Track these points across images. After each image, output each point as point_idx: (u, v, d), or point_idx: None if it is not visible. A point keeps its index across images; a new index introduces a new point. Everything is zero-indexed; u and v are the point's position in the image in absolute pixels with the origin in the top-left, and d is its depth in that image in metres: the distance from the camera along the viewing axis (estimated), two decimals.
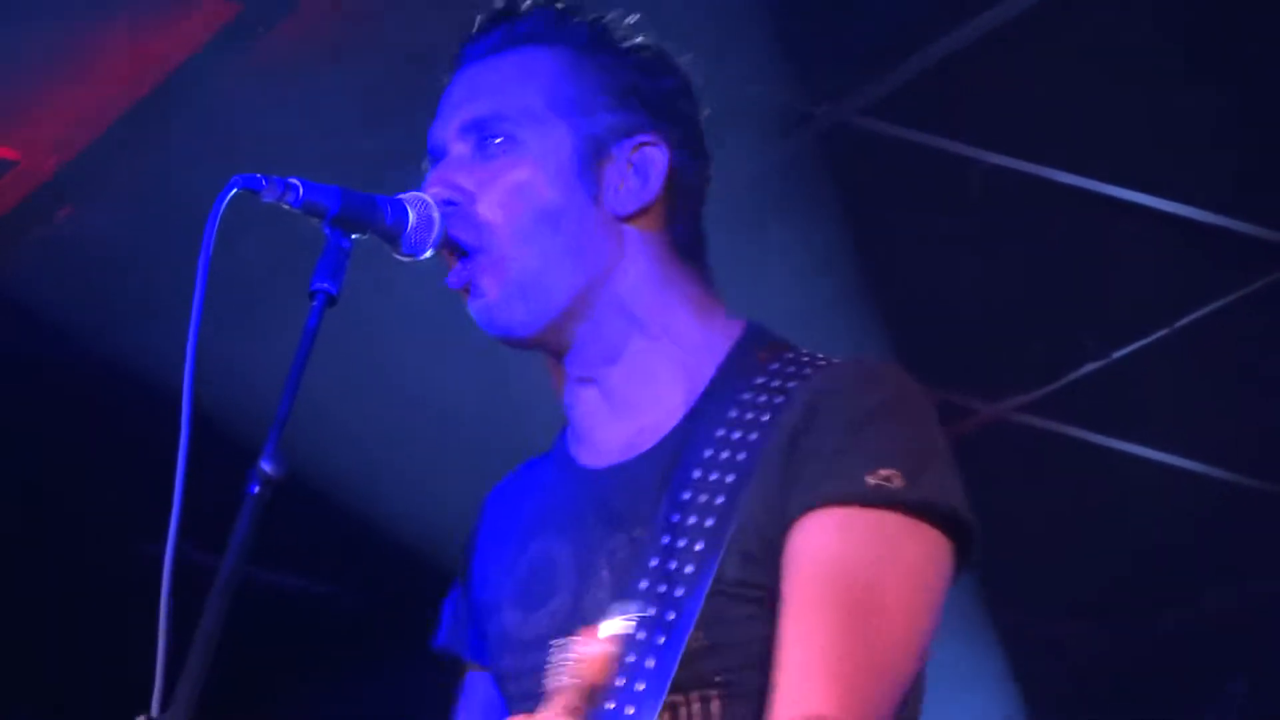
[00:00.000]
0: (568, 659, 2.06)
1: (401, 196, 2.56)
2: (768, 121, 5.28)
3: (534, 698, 2.33)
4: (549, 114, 2.68)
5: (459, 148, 2.70)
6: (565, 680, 2.06)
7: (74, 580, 7.30)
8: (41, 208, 5.57)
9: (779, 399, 2.60)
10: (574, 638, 2.08)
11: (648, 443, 2.70)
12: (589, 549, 2.71)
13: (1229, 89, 5.64)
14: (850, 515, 2.47)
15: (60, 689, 7.91)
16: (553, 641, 2.43)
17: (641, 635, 2.58)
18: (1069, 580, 8.23)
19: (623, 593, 2.60)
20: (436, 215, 2.58)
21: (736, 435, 2.62)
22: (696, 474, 2.61)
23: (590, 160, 2.66)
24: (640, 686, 2.50)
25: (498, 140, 2.66)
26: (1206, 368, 6.89)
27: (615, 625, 2.10)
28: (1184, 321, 6.61)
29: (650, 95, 2.71)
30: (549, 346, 2.71)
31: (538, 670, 2.42)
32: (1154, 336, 6.72)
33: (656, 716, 2.51)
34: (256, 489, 2.16)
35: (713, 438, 2.61)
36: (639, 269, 2.70)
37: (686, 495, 2.59)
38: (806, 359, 2.63)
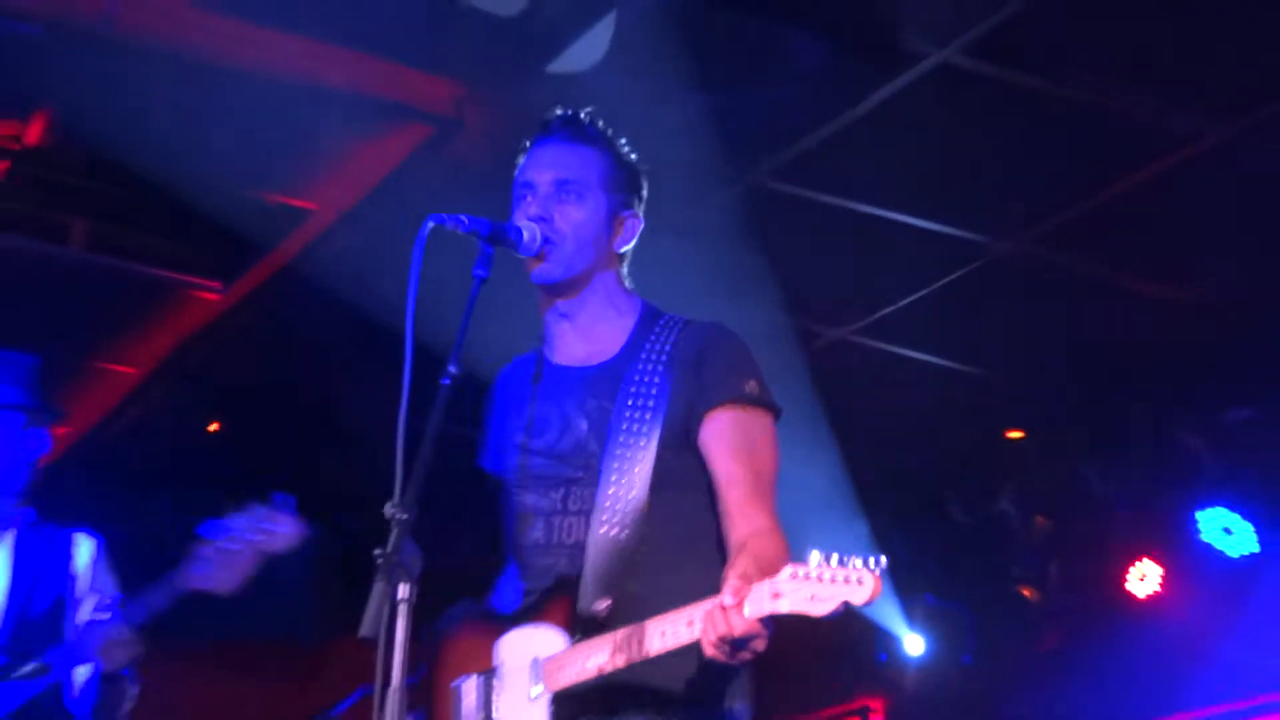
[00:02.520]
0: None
1: (516, 222, 3.42)
2: (697, 181, 5.53)
3: (533, 490, 3.48)
4: (596, 189, 3.53)
5: (546, 189, 3.49)
6: None
7: None
8: (324, 245, 6.28)
9: (670, 342, 3.51)
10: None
11: (599, 359, 3.54)
12: (569, 409, 3.52)
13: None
14: (738, 409, 3.38)
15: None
16: (545, 458, 3.49)
17: (615, 464, 3.39)
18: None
19: (598, 435, 3.44)
20: (537, 230, 3.39)
21: (653, 361, 3.49)
22: (637, 378, 3.48)
23: (609, 220, 3.55)
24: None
25: (570, 193, 3.49)
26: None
27: None
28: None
29: (635, 185, 3.63)
30: (558, 292, 3.52)
31: (538, 473, 3.50)
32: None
33: (638, 501, 3.32)
34: (447, 381, 3.06)
35: (641, 361, 3.50)
36: (609, 270, 3.59)
37: (634, 389, 3.47)
38: (678, 320, 3.57)
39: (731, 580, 2.87)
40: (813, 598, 2.74)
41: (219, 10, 5.09)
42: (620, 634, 3.12)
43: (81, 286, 6.73)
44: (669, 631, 3.03)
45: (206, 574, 4.45)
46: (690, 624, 2.95)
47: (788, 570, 2.77)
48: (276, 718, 6.62)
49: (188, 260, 6.55)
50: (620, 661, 3.10)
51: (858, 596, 2.70)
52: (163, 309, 6.99)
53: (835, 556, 2.71)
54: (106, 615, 4.66)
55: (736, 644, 2.86)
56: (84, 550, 4.92)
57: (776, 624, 2.81)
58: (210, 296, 6.81)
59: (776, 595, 2.77)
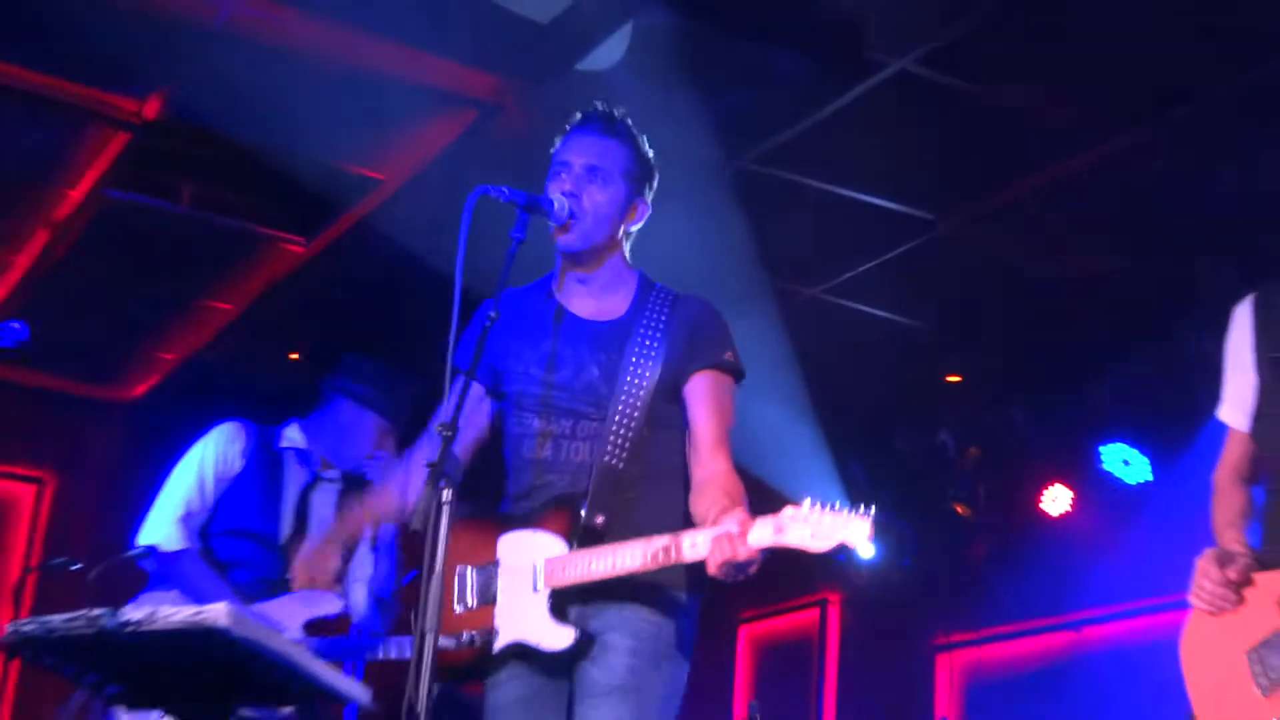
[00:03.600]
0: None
1: (549, 194, 3.41)
2: (695, 165, 5.46)
3: (545, 416, 3.43)
4: (618, 178, 3.50)
5: (578, 171, 3.47)
6: None
7: None
8: (389, 208, 6.32)
9: (666, 311, 3.49)
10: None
11: (608, 317, 3.51)
12: (583, 355, 3.48)
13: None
14: (717, 373, 3.44)
15: None
16: (560, 391, 3.45)
17: (619, 407, 3.37)
18: None
19: (607, 381, 3.41)
20: (566, 203, 3.40)
21: (653, 326, 3.49)
22: (640, 338, 3.47)
23: (625, 204, 3.52)
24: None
25: (597, 178, 3.47)
26: None
27: None
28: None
29: (649, 177, 3.60)
30: (577, 260, 3.50)
31: (552, 403, 3.45)
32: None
33: (632, 439, 3.33)
34: (487, 322, 3.14)
35: (643, 325, 3.49)
36: (618, 245, 3.56)
37: (637, 348, 3.46)
38: (669, 291, 3.57)
39: (736, 513, 2.98)
40: (813, 535, 2.86)
41: (309, 11, 5.10)
42: (621, 549, 3.17)
43: (189, 239, 6.74)
44: (672, 548, 3.09)
45: None
46: (693, 545, 3.03)
47: (789, 510, 2.90)
48: None
49: (278, 218, 6.60)
50: (614, 564, 3.17)
51: (856, 538, 2.83)
52: (255, 258, 7.01)
53: (829, 505, 2.88)
54: None
55: (739, 567, 2.95)
56: None
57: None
58: (295, 249, 6.85)
59: (780, 529, 2.89)
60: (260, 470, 4.87)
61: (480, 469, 3.49)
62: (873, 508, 2.90)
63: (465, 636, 3.34)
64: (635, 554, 3.11)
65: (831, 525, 2.85)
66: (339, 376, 5.03)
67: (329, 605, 4.61)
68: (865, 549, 8.73)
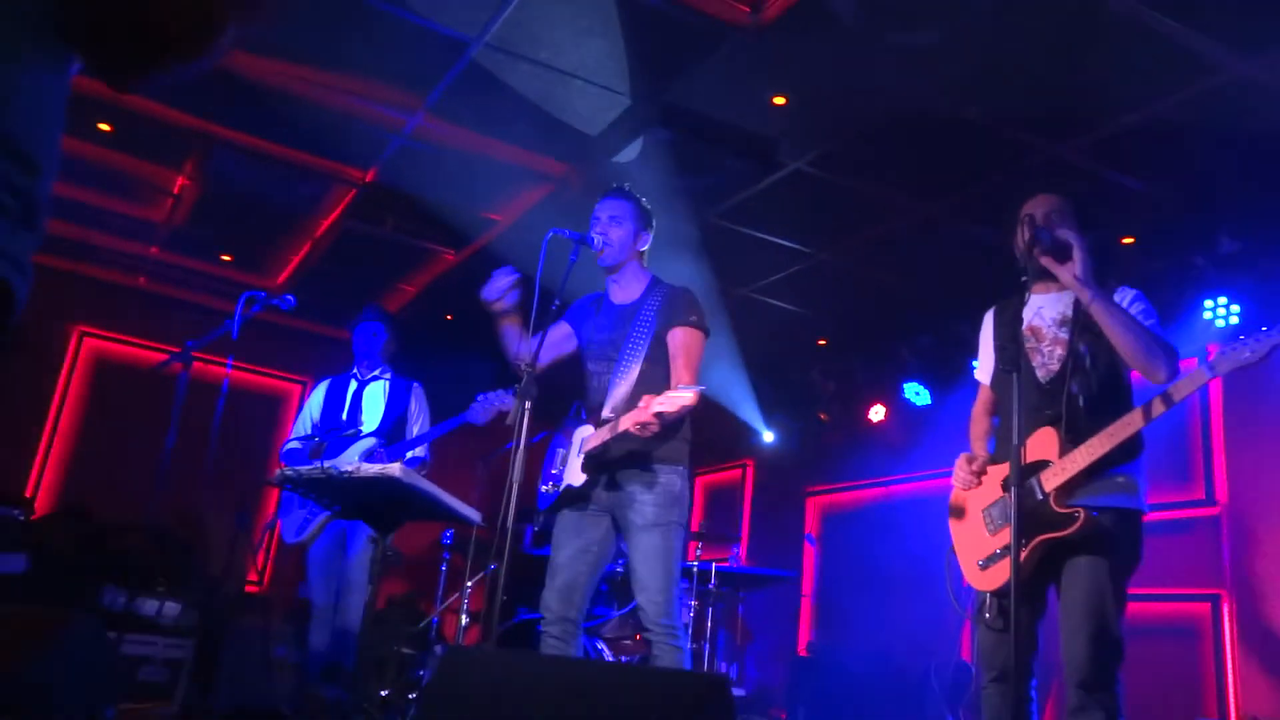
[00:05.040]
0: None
1: (591, 235, 3.34)
2: (678, 218, 5.42)
3: (593, 360, 3.35)
4: (629, 221, 3.40)
5: (605, 220, 3.39)
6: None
7: None
8: (502, 238, 6.13)
9: (660, 297, 3.36)
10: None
11: (627, 302, 3.41)
12: (613, 324, 3.40)
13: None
14: (687, 328, 3.29)
15: None
16: (601, 346, 3.35)
17: (628, 356, 3.28)
18: None
19: (623, 338, 3.32)
20: (599, 239, 3.34)
21: (650, 308, 3.36)
22: (642, 315, 3.34)
23: (635, 236, 3.40)
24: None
25: (618, 221, 3.39)
26: None
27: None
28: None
29: (649, 220, 3.47)
30: (610, 270, 3.41)
31: (597, 353, 3.37)
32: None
33: (637, 371, 3.26)
34: (554, 307, 3.16)
35: (645, 308, 3.36)
36: (634, 259, 3.44)
37: (639, 321, 3.34)
38: (667, 284, 3.42)
39: (647, 398, 2.94)
40: (669, 401, 2.88)
41: (456, 122, 5.00)
42: (610, 424, 3.16)
43: (391, 249, 6.64)
44: (627, 420, 3.05)
45: (475, 416, 4.31)
46: (640, 411, 2.97)
47: (667, 392, 2.91)
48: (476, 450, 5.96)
49: (440, 238, 6.43)
50: (612, 434, 3.14)
51: (687, 399, 2.87)
52: (427, 261, 6.89)
53: (676, 389, 2.90)
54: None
55: (645, 426, 2.93)
56: (415, 396, 4.76)
57: (708, 424, 2.96)
58: (450, 257, 6.75)
59: (660, 402, 2.90)
60: None
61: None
62: (701, 386, 2.95)
63: (551, 480, 3.35)
64: (615, 427, 3.10)
65: (677, 396, 2.86)
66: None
67: None
68: (757, 426, 8.57)
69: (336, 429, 4.57)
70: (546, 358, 3.40)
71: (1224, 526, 5.14)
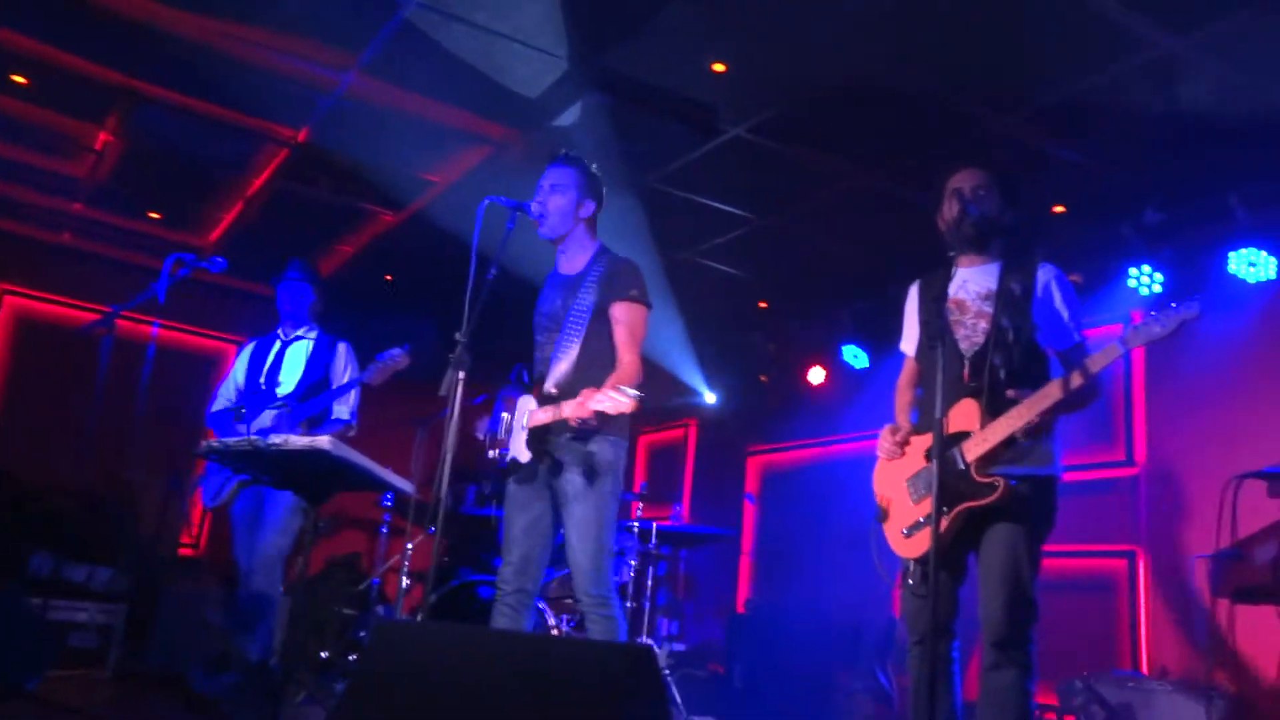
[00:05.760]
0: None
1: (531, 203, 3.28)
2: (621, 183, 5.38)
3: (541, 332, 3.31)
4: (574, 189, 3.35)
5: (546, 188, 3.34)
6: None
7: None
8: (439, 200, 6.11)
9: (604, 267, 3.30)
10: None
11: (572, 272, 3.35)
12: (555, 298, 3.35)
13: None
14: (629, 303, 3.25)
15: None
16: (546, 318, 3.32)
17: (570, 327, 3.24)
18: None
19: (565, 310, 3.26)
20: (538, 209, 3.30)
21: (594, 278, 3.30)
22: (586, 286, 3.29)
23: (576, 204, 3.35)
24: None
25: (559, 189, 3.34)
26: None
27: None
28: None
29: (595, 187, 3.42)
30: (553, 241, 3.37)
31: (543, 324, 3.33)
32: None
33: (578, 345, 3.21)
34: (490, 276, 3.05)
35: (589, 278, 3.30)
36: (579, 227, 3.38)
37: (583, 291, 3.29)
38: (611, 254, 3.38)
39: (583, 391, 2.94)
40: (606, 403, 2.88)
41: (394, 83, 4.93)
42: (558, 407, 3.13)
43: (328, 210, 6.49)
44: (568, 406, 3.06)
45: (372, 375, 4.28)
46: (580, 404, 2.98)
47: (609, 391, 2.88)
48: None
49: (378, 199, 6.31)
50: (553, 419, 3.15)
51: (622, 407, 2.84)
52: (366, 221, 6.76)
53: (620, 391, 2.86)
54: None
55: (585, 422, 2.95)
56: (341, 354, 4.59)
57: (650, 386, 2.98)
58: (388, 218, 6.63)
59: (598, 401, 2.89)
60: None
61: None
62: (640, 393, 2.91)
63: (498, 451, 3.31)
64: (566, 409, 3.07)
65: (614, 399, 2.85)
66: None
67: None
68: (700, 387, 8.65)
69: (256, 392, 4.48)
70: None
71: (1141, 486, 5.36)
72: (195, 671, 4.11)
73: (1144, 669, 4.94)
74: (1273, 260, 4.84)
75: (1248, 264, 4.84)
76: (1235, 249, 4.87)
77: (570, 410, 2.98)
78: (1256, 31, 3.67)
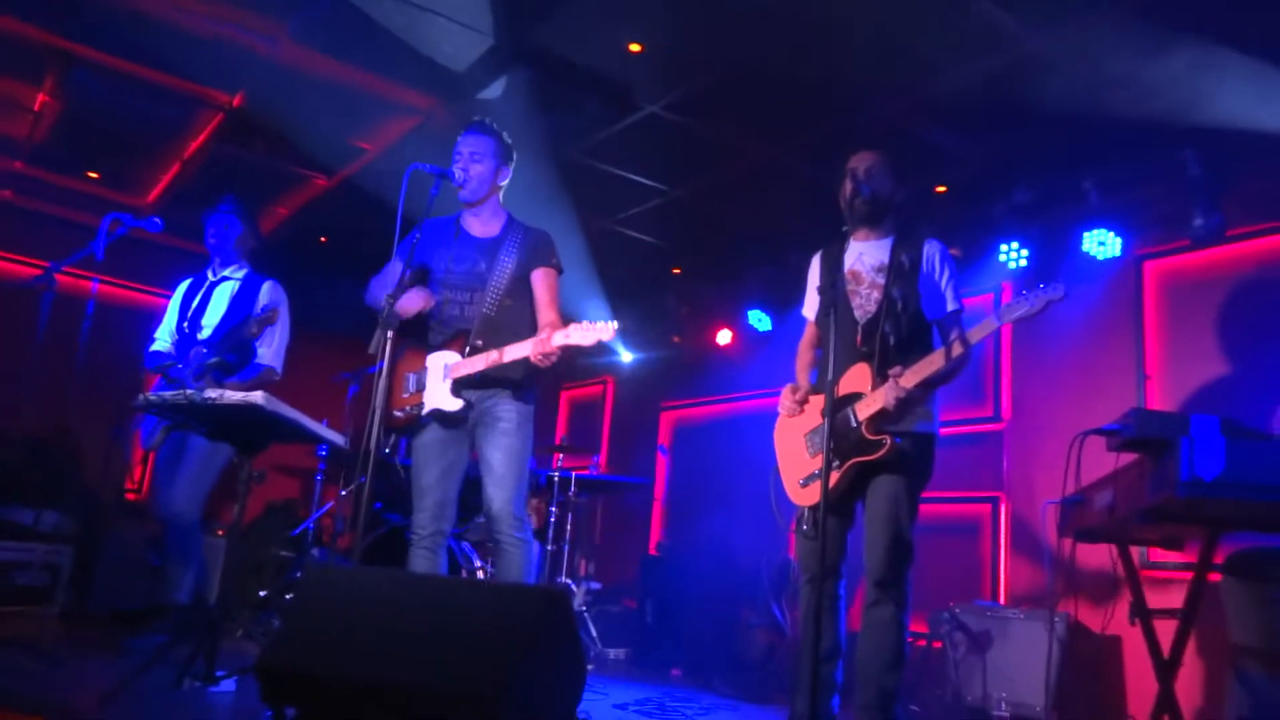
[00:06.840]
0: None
1: (453, 169, 3.25)
2: (543, 153, 5.25)
3: (454, 289, 3.25)
4: (490, 157, 3.34)
5: (465, 155, 3.32)
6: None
7: None
8: (370, 166, 5.86)
9: (521, 235, 3.35)
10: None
11: (488, 236, 3.39)
12: (474, 256, 3.32)
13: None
14: (547, 269, 3.30)
15: None
16: (462, 276, 3.26)
17: (493, 287, 3.22)
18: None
19: (489, 271, 3.28)
20: (460, 175, 3.27)
21: (513, 244, 3.31)
22: (505, 251, 3.29)
23: (495, 172, 3.34)
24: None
25: (478, 157, 3.32)
26: None
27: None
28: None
29: (509, 156, 3.41)
30: (470, 204, 3.37)
31: (457, 283, 3.27)
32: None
33: (500, 304, 3.21)
34: (413, 237, 3.16)
35: (507, 244, 3.31)
36: (495, 195, 3.38)
37: (503, 256, 3.29)
38: (524, 224, 3.38)
39: (547, 330, 2.94)
40: (583, 334, 2.89)
41: (322, 52, 4.73)
42: (490, 353, 3.11)
43: (263, 173, 6.27)
44: (518, 350, 3.05)
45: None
46: (521, 348, 3.03)
47: (574, 325, 2.91)
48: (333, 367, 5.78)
49: (312, 163, 6.08)
50: (490, 364, 3.12)
51: (605, 335, 2.87)
52: (301, 185, 6.52)
53: (591, 322, 2.91)
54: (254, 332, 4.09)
55: (547, 356, 2.93)
56: (265, 290, 4.35)
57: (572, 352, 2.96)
58: (321, 182, 6.39)
59: (566, 334, 2.90)
60: None
61: (415, 319, 3.30)
62: (614, 321, 2.94)
63: (408, 408, 3.25)
64: (492, 357, 3.09)
65: (593, 329, 2.88)
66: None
67: None
68: (617, 347, 8.72)
69: (181, 335, 4.28)
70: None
71: (1006, 439, 5.49)
72: (126, 636, 3.96)
73: (1002, 600, 5.19)
74: (1119, 240, 4.99)
75: (1098, 243, 5.00)
76: (1088, 229, 5.02)
77: (535, 351, 2.96)
78: (1108, 32, 3.76)
